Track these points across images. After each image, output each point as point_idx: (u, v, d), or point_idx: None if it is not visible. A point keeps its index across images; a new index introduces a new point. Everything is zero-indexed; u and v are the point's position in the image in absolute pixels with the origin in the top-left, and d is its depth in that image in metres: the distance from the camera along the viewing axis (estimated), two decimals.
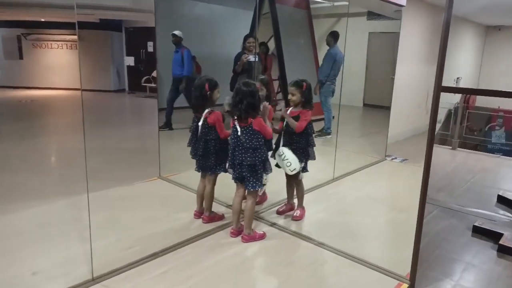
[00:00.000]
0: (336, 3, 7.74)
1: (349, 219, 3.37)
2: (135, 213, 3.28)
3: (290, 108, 3.05)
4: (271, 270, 2.53)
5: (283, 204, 3.41)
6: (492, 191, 4.20)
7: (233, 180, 2.84)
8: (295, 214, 3.24)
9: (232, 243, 2.80)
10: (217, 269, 2.47)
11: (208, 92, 2.83)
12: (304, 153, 3.06)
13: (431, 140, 2.21)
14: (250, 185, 2.72)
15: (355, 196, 3.91)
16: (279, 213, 3.33)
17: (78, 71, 10.71)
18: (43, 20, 11.28)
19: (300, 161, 3.02)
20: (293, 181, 3.24)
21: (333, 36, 5.92)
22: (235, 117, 2.69)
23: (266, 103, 2.81)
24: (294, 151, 3.01)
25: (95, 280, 2.31)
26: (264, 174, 2.79)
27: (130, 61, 11.80)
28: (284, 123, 3.06)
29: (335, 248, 2.76)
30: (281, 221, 3.20)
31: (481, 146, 8.65)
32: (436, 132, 2.59)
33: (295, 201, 3.34)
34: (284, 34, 6.95)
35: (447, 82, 2.06)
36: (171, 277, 2.38)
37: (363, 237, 3.09)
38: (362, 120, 8.40)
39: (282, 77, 6.91)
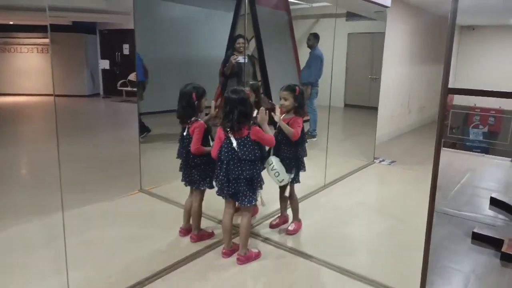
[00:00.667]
0: (314, 4, 7.65)
1: (346, 230, 3.21)
2: (116, 233, 3.01)
3: (283, 115, 2.86)
4: None
5: (276, 217, 3.22)
6: (483, 193, 4.14)
7: (222, 197, 2.60)
8: (289, 228, 3.05)
9: (226, 265, 2.58)
10: None
11: (196, 102, 2.62)
12: (293, 163, 2.85)
13: (439, 145, 2.05)
14: (246, 200, 2.51)
15: (349, 204, 3.76)
16: (272, 226, 3.14)
17: (49, 76, 10.27)
18: (11, 23, 10.75)
19: (288, 172, 2.83)
20: (292, 191, 3.05)
21: (316, 37, 5.90)
22: (228, 129, 2.47)
23: (262, 109, 2.61)
24: (283, 161, 2.83)
25: None
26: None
27: (105, 64, 11.38)
28: (277, 130, 2.88)
29: (335, 265, 2.59)
30: (275, 235, 3.01)
31: (460, 144, 8.73)
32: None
33: (289, 212, 3.16)
34: (264, 36, 6.78)
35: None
36: None
37: (363, 250, 2.94)
38: (344, 121, 8.32)
39: (264, 80, 6.73)
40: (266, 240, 2.93)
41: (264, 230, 3.09)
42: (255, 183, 2.54)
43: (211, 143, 2.68)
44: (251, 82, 2.93)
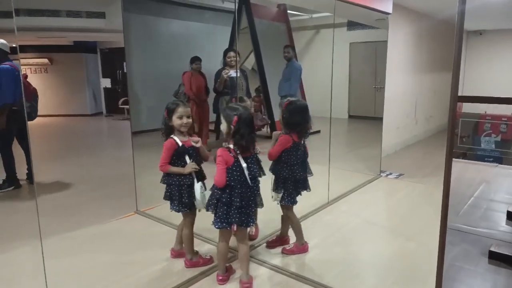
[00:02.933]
0: (314, 15, 7.57)
1: (353, 252, 2.98)
2: (108, 258, 2.82)
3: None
4: None
5: (274, 235, 3.03)
6: (499, 207, 3.89)
7: (222, 227, 2.34)
8: (286, 247, 2.85)
9: None
10: None
11: (166, 118, 2.48)
12: (282, 183, 2.68)
13: (450, 156, 1.86)
14: (251, 220, 2.33)
15: (355, 223, 3.53)
16: (268, 244, 2.94)
17: (47, 96, 10.28)
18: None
19: (276, 190, 2.68)
20: (286, 211, 2.86)
21: (294, 50, 5.95)
22: (238, 151, 2.26)
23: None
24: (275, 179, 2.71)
25: None
26: None
27: (106, 83, 11.36)
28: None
29: None
30: (276, 259, 2.78)
31: (471, 154, 8.45)
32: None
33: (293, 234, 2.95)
34: (264, 49, 6.68)
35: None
36: None
37: (371, 274, 2.71)
38: (348, 132, 8.14)
39: (264, 93, 6.60)
40: (266, 263, 2.72)
41: (263, 253, 2.88)
42: (258, 200, 2.41)
43: (188, 162, 2.47)
44: (245, 97, 2.78)
